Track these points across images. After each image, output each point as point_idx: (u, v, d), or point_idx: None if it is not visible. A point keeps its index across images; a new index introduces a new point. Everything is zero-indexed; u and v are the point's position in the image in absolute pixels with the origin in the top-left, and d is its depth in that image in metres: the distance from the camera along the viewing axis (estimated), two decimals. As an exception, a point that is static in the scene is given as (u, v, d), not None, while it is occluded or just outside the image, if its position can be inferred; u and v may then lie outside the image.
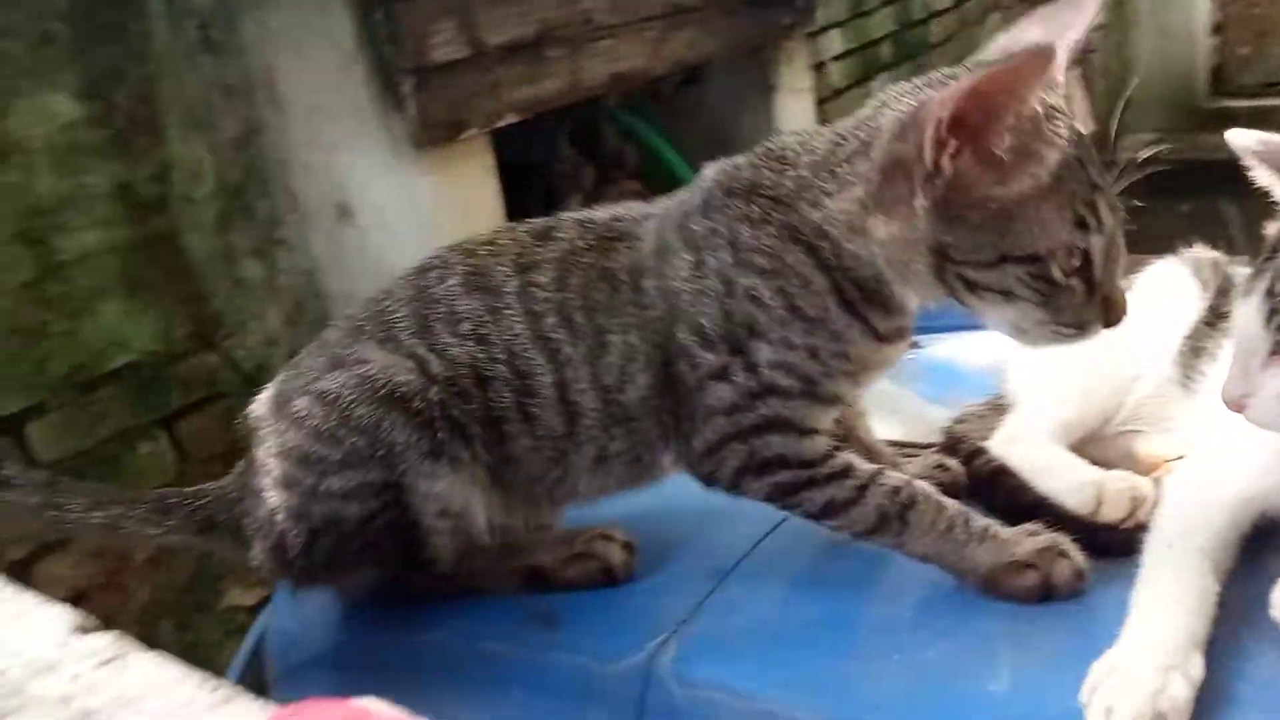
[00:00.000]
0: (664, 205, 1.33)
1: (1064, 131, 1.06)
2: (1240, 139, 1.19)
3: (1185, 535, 1.13)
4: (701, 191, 1.27)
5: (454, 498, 1.28)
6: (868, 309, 1.19)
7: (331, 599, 1.41)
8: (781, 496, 1.23)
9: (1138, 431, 1.36)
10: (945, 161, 1.04)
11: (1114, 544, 1.17)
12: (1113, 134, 1.21)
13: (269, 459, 1.32)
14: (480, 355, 1.27)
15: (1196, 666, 1.00)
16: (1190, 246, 1.51)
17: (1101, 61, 6.01)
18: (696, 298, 1.22)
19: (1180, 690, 0.97)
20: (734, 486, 1.25)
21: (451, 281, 1.30)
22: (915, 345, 1.96)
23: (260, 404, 1.38)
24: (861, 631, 1.17)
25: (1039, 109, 1.04)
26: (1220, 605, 1.09)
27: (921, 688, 1.08)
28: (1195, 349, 1.37)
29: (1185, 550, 1.11)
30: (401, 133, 2.61)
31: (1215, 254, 1.47)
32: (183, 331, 2.58)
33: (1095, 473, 1.28)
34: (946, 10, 5.01)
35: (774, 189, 1.19)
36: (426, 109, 2.59)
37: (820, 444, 1.22)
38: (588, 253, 1.29)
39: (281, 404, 1.33)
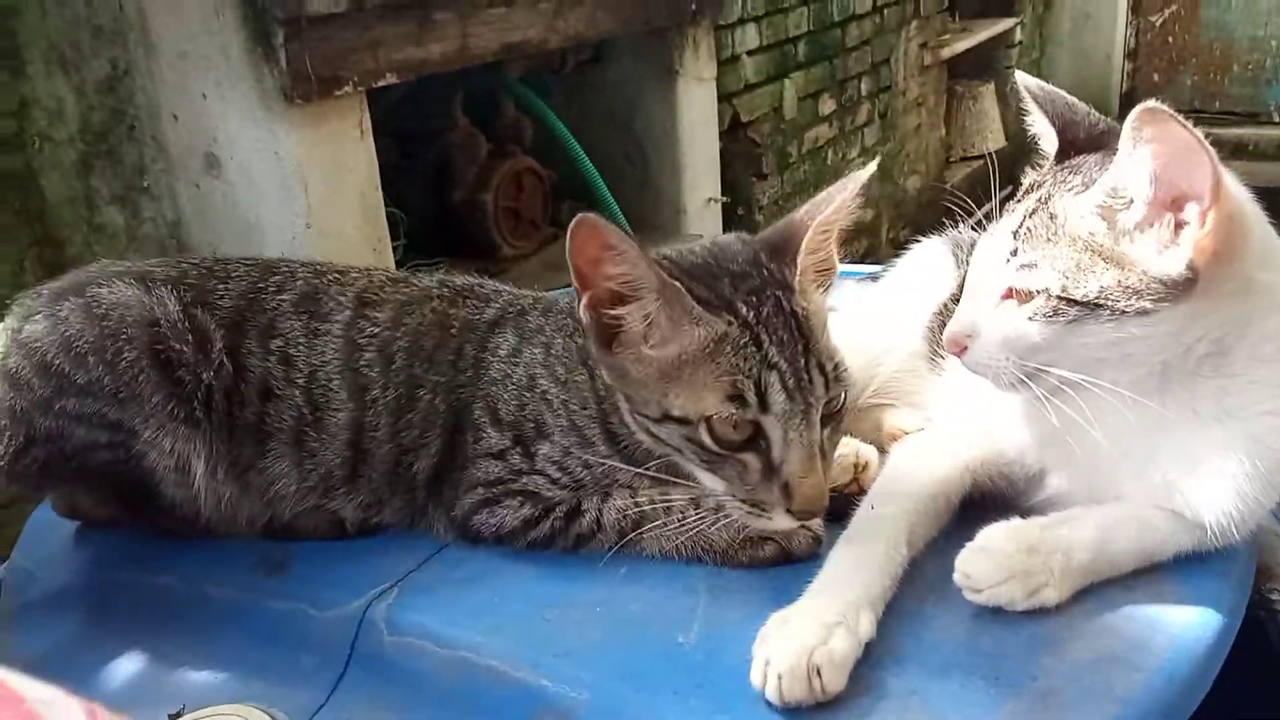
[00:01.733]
0: (525, 293, 1.36)
1: (741, 311, 1.05)
2: (1024, 79, 1.19)
3: (888, 501, 1.13)
4: (550, 299, 1.33)
5: (190, 468, 1.25)
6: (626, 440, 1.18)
7: (75, 539, 1.38)
8: (539, 548, 1.22)
9: (888, 405, 1.35)
10: (583, 310, 1.07)
11: (838, 508, 1.16)
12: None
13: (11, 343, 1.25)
14: (278, 373, 1.25)
15: (865, 624, 1.00)
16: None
17: (1020, 79, 6.04)
18: (503, 380, 1.24)
19: (841, 645, 0.96)
20: (498, 541, 1.23)
21: (285, 297, 1.29)
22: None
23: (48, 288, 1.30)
24: (577, 585, 1.15)
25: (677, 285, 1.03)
26: (914, 569, 1.09)
27: (615, 637, 1.07)
28: (943, 324, 1.36)
29: (883, 516, 1.10)
30: (272, 85, 2.54)
31: (976, 235, 1.46)
32: (35, 275, 2.50)
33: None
34: (864, 15, 5.01)
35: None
36: (299, 62, 2.53)
37: (559, 495, 1.21)
38: (434, 301, 1.31)
39: (57, 296, 1.26)
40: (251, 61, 2.54)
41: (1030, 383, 1.05)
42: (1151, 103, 0.94)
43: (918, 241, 1.51)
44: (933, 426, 1.27)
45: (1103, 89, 6.33)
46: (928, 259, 1.45)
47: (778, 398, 1.03)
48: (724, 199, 4.01)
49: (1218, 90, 6.23)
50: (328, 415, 1.24)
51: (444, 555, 1.23)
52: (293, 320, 1.27)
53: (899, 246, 5.63)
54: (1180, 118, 0.93)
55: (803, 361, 1.05)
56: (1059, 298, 1.01)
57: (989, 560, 1.03)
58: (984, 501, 1.18)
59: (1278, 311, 1.03)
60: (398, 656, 1.10)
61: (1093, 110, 1.17)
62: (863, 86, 5.07)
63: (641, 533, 1.15)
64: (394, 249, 2.92)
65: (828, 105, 4.88)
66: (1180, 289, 0.98)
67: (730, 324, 1.04)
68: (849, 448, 1.24)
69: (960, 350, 1.10)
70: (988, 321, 1.08)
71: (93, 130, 2.62)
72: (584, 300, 1.07)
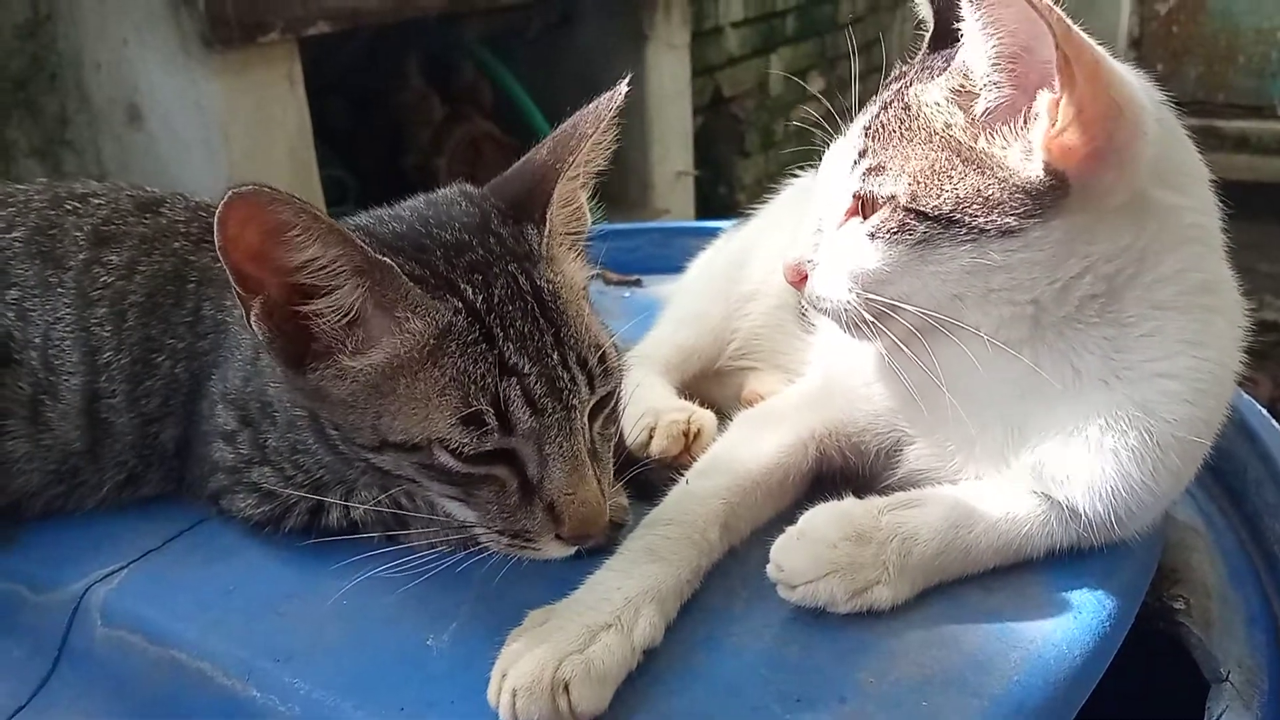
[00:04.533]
0: None
1: (466, 293, 0.77)
2: None
3: (707, 476, 0.90)
4: None
5: None
6: None
7: None
8: (292, 538, 0.97)
9: (752, 368, 1.11)
10: (254, 322, 0.77)
11: (654, 481, 0.93)
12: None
13: None
14: (16, 332, 1.00)
15: (645, 627, 0.78)
16: None
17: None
18: (238, 347, 0.98)
19: (604, 654, 0.74)
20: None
21: (16, 234, 1.03)
22: (637, 283, 1.74)
23: None
24: (328, 571, 0.91)
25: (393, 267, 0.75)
26: (734, 560, 0.88)
27: (353, 637, 0.84)
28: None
29: (695, 494, 0.88)
30: (191, 29, 2.33)
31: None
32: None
33: (658, 403, 1.04)
34: (859, -10, 4.74)
35: None
36: (219, 5, 2.31)
37: (294, 495, 0.96)
38: (178, 240, 1.04)
39: None
40: (171, 4, 2.33)
41: (880, 325, 0.81)
42: None
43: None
44: (787, 390, 1.03)
45: (1105, 77, 5.99)
46: (800, 197, 1.19)
47: (522, 414, 0.76)
48: (696, 173, 3.77)
49: (1222, 82, 5.89)
50: (60, 381, 1.00)
51: (197, 531, 1.01)
52: (26, 265, 1.02)
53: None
54: None
55: (555, 356, 0.77)
56: (906, 209, 0.78)
57: (807, 549, 0.81)
58: (837, 479, 0.94)
59: (1184, 246, 0.79)
60: (107, 653, 0.89)
61: None
62: (854, 65, 4.80)
63: (406, 533, 0.90)
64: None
65: (817, 83, 4.61)
66: (1048, 201, 0.75)
67: (456, 312, 0.76)
68: (682, 413, 1.01)
69: (800, 280, 0.86)
70: (829, 243, 0.84)
71: (10, 78, 2.41)
72: (254, 310, 0.76)
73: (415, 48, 3.13)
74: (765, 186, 4.61)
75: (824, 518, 0.82)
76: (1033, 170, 0.75)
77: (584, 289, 0.85)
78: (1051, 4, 0.70)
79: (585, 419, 0.79)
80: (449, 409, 0.75)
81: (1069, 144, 0.73)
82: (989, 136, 0.77)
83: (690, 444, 1.00)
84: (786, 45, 4.37)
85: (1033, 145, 0.75)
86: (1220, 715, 0.81)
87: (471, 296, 0.77)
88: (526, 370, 0.76)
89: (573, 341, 0.79)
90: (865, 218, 0.82)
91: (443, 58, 3.26)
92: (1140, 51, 5.96)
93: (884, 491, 0.88)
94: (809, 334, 1.10)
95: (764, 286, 1.12)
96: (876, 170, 0.81)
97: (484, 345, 0.75)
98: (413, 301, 0.75)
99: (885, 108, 0.83)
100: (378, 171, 3.15)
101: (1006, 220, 0.75)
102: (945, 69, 0.82)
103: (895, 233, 0.79)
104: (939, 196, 0.77)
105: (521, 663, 0.72)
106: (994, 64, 0.75)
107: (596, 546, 0.83)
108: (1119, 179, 0.75)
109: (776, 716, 0.72)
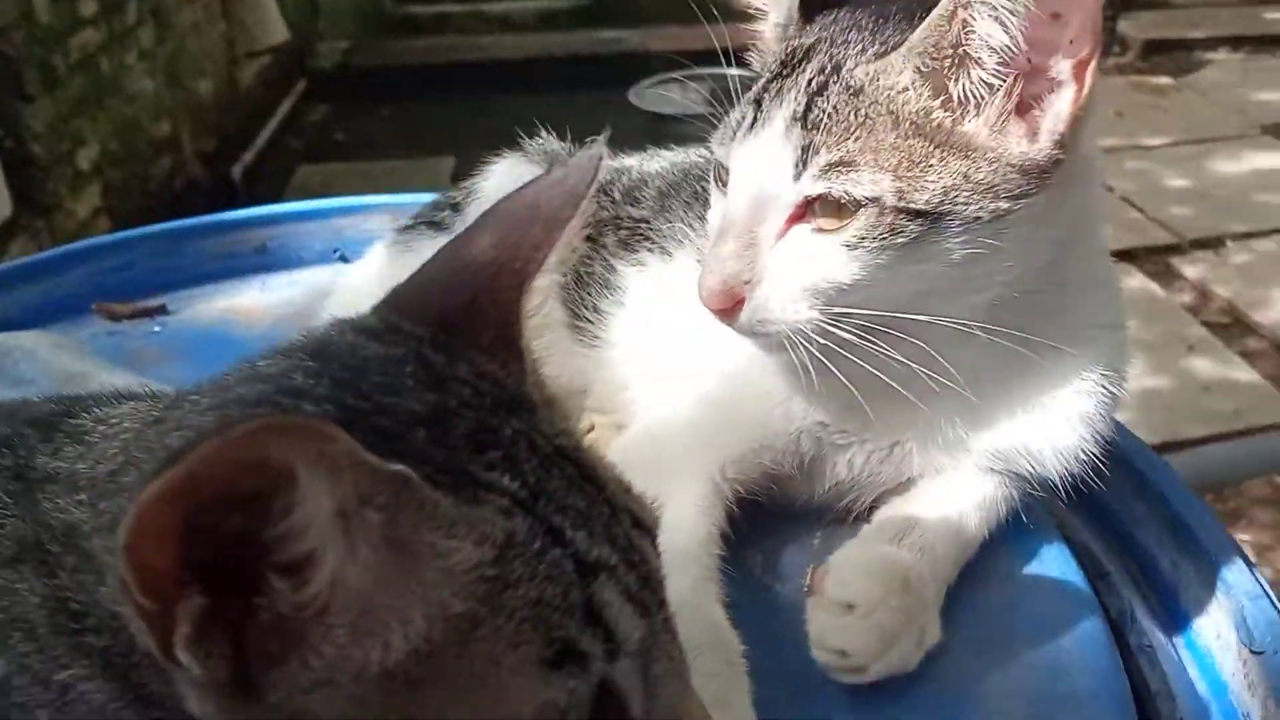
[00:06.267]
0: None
1: (502, 483, 0.46)
2: None
3: (670, 565, 0.71)
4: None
5: None
6: None
7: None
8: None
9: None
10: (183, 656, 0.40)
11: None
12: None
13: None
14: None
15: None
16: (515, 147, 1.05)
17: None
18: None
19: None
20: None
21: None
22: (161, 310, 1.32)
23: None
24: None
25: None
26: None
27: None
28: (579, 277, 0.94)
29: (688, 604, 0.69)
30: None
31: (567, 144, 1.04)
32: None
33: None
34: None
35: None
36: None
37: None
38: None
39: None
40: None
41: (840, 338, 0.70)
42: None
43: (494, 161, 1.03)
44: (635, 427, 0.86)
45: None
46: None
47: (628, 621, 0.47)
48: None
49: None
50: None
51: None
52: None
53: (207, 161, 4.84)
54: None
55: (621, 532, 0.49)
56: (896, 209, 0.67)
57: (868, 625, 0.69)
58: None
59: (1103, 195, 0.79)
60: None
61: None
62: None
63: None
64: None
65: (89, 6, 3.91)
66: (1041, 178, 0.69)
67: (506, 513, 0.45)
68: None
69: (733, 306, 0.70)
70: (776, 261, 0.70)
71: None
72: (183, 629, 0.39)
73: None
74: (62, 132, 3.93)
75: (860, 577, 0.70)
76: (1041, 148, 0.68)
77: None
78: None
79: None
80: (534, 662, 0.44)
81: (1080, 112, 0.67)
82: (974, 115, 0.68)
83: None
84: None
85: (1049, 119, 0.68)
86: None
87: (508, 484, 0.46)
88: (612, 561, 0.47)
89: (614, 495, 0.51)
90: (820, 227, 0.68)
91: None
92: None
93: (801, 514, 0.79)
94: (593, 349, 0.92)
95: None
96: (844, 167, 0.67)
97: (551, 546, 0.45)
98: (445, 518, 0.43)
99: (819, 94, 0.69)
100: None
101: (999, 204, 0.68)
102: (883, 42, 0.70)
103: (884, 238, 0.67)
104: (927, 190, 0.67)
105: None
106: (1005, 29, 0.65)
107: None
108: (1081, 140, 0.71)
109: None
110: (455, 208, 1.01)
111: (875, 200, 0.67)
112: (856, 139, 0.68)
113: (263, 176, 4.47)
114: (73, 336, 1.19)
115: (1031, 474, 0.79)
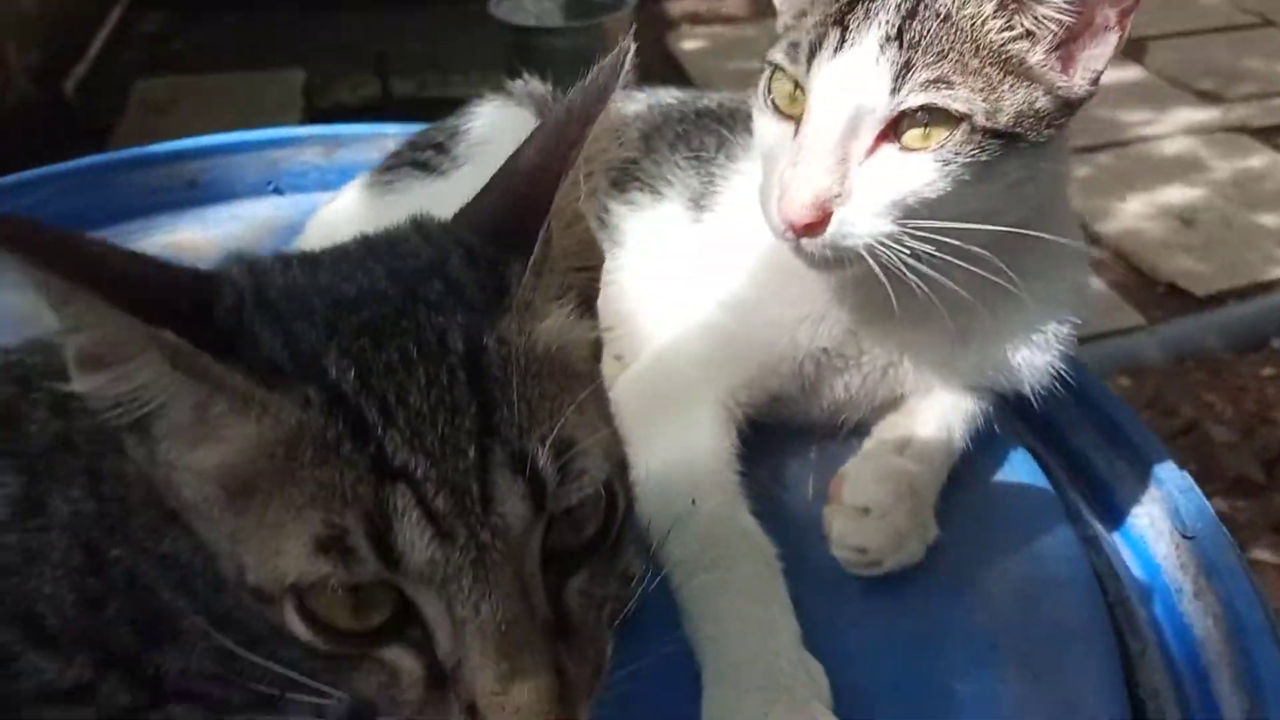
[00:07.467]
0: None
1: (330, 374, 0.50)
2: None
3: (705, 492, 0.80)
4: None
5: None
6: None
7: None
8: None
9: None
10: None
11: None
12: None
13: None
14: None
15: (821, 677, 0.71)
16: (517, 81, 1.08)
17: None
18: (29, 561, 0.59)
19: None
20: None
21: None
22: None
23: None
24: None
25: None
26: None
27: None
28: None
29: (717, 516, 0.79)
30: None
31: (549, 86, 1.07)
32: None
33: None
34: None
35: None
36: None
37: None
38: None
39: None
40: None
41: (910, 246, 0.76)
42: None
43: (480, 104, 1.06)
44: (644, 358, 0.92)
45: None
46: (510, 134, 0.97)
47: (416, 536, 0.48)
48: None
49: None
50: None
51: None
52: None
53: (36, 77, 4.53)
54: None
55: (471, 453, 0.49)
56: (983, 129, 0.74)
57: (882, 524, 0.79)
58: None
59: None
60: None
61: None
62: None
63: None
64: None
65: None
66: (1071, 112, 0.79)
67: (306, 405, 0.49)
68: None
69: (815, 224, 0.76)
70: (864, 176, 0.76)
71: None
72: None
73: None
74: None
75: (873, 485, 0.79)
76: (1080, 82, 0.77)
77: (585, 356, 0.58)
78: None
79: (533, 560, 0.51)
80: (305, 534, 0.48)
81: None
82: (1038, 49, 0.76)
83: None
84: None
85: (1096, 55, 0.76)
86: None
87: (337, 376, 0.49)
88: (422, 472, 0.48)
89: (513, 432, 0.49)
90: (905, 145, 0.75)
91: None
92: None
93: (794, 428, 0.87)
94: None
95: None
96: (939, 84, 0.73)
97: (353, 442, 0.48)
98: (238, 394, 0.48)
99: (910, 18, 0.75)
100: None
101: (1049, 131, 0.76)
102: None
103: (974, 153, 0.74)
104: (1005, 113, 0.74)
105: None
106: None
107: None
108: None
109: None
110: (439, 148, 1.03)
111: (968, 118, 0.74)
112: (949, 60, 0.74)
113: (100, 92, 4.19)
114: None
115: (1008, 389, 0.90)
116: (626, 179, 0.99)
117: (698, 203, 0.95)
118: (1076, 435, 0.99)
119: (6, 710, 0.59)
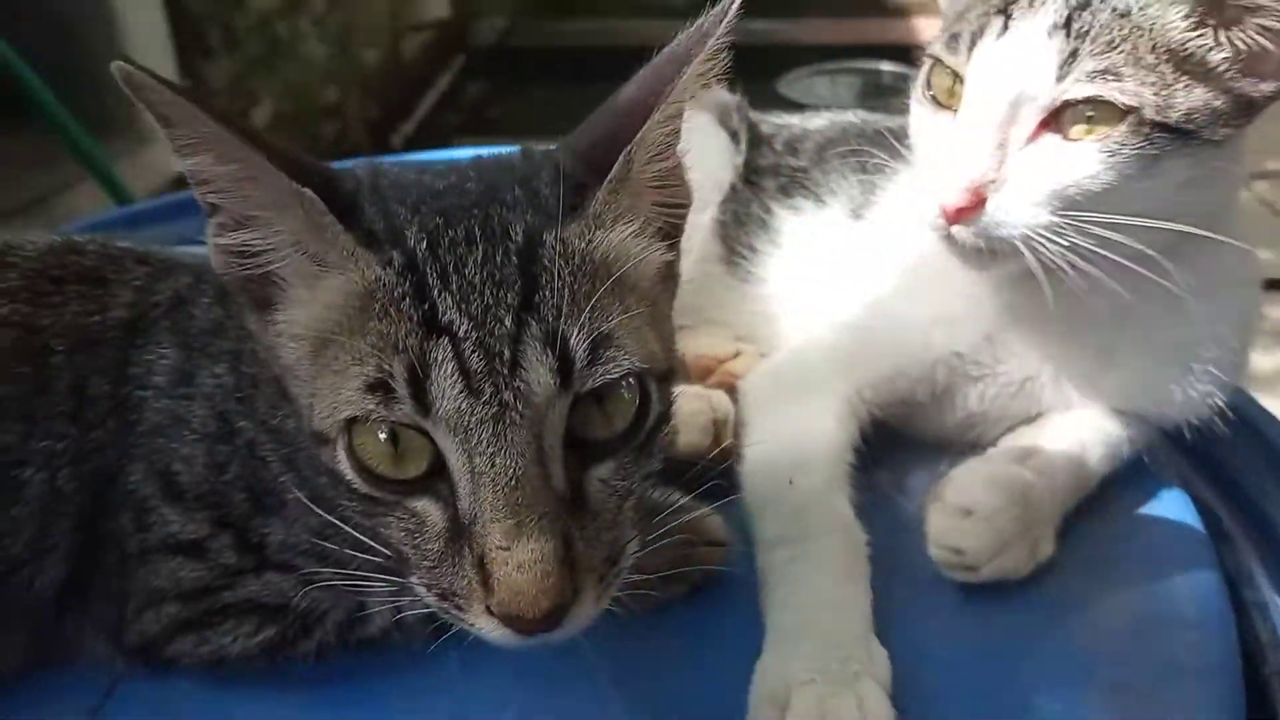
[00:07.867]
0: (178, 260, 0.78)
1: (408, 242, 0.58)
2: None
3: (804, 471, 0.80)
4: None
5: None
6: None
7: None
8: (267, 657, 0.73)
9: (683, 325, 0.99)
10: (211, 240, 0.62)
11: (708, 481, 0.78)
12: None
13: None
14: None
15: (882, 663, 0.69)
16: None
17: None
18: (174, 425, 0.71)
19: (877, 708, 0.65)
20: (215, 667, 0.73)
21: None
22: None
23: None
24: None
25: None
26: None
27: None
28: (738, 217, 1.03)
29: (813, 494, 0.79)
30: None
31: (737, 97, 1.12)
32: None
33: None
34: None
35: None
36: None
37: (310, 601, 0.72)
38: (7, 300, 0.71)
39: None
40: None
41: (1069, 239, 0.74)
42: None
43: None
44: (782, 352, 0.94)
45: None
46: (696, 136, 1.04)
47: (448, 385, 0.54)
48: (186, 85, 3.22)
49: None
50: None
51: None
52: None
53: (371, 128, 5.02)
54: None
55: (508, 324, 0.55)
56: (1152, 122, 0.72)
57: (984, 527, 0.75)
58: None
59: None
60: None
61: None
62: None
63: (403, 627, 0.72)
64: None
65: (270, -30, 4.15)
66: (1255, 111, 0.75)
67: (386, 265, 0.56)
68: (700, 400, 0.87)
69: (967, 209, 0.75)
70: (1022, 164, 0.74)
71: None
72: (211, 228, 0.60)
73: None
74: (240, 90, 4.17)
75: (980, 487, 0.77)
76: (1265, 87, 0.73)
77: (649, 275, 0.63)
78: None
79: (553, 432, 0.56)
80: (361, 379, 0.55)
81: None
82: (1221, 47, 0.73)
83: (719, 432, 0.87)
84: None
85: None
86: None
87: (413, 245, 0.57)
88: (462, 332, 0.54)
89: (551, 313, 0.55)
90: (1068, 135, 0.73)
91: None
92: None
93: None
94: (745, 283, 1.00)
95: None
96: (1107, 74, 0.72)
97: (412, 301, 0.55)
98: (342, 249, 0.57)
99: (1081, 9, 0.74)
100: None
101: (1225, 130, 0.73)
102: None
103: (1141, 147, 0.72)
104: (1178, 109, 0.72)
105: None
106: None
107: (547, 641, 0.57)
108: None
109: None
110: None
111: (1135, 110, 0.72)
112: (1120, 53, 0.72)
113: (422, 148, 4.67)
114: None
115: (1158, 417, 0.84)
116: (795, 186, 1.01)
117: (857, 212, 0.96)
118: (1266, 499, 0.90)
119: (140, 555, 0.70)
